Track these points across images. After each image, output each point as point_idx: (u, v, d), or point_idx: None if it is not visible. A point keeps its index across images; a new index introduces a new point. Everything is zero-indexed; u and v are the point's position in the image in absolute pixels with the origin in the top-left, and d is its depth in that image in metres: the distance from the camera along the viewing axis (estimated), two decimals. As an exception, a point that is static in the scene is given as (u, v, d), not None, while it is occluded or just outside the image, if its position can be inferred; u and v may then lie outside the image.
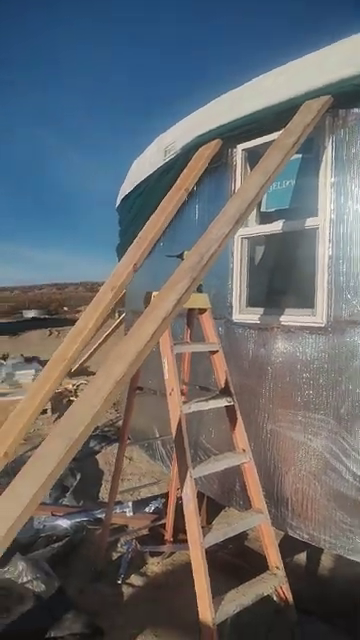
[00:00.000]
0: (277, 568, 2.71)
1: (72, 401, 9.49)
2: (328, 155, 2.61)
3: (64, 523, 3.90)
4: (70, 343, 2.47)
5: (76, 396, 9.65)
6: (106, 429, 7.13)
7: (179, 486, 2.74)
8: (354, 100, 2.45)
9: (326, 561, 3.40)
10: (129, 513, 4.06)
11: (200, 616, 2.29)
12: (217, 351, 2.88)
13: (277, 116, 2.72)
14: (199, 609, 2.30)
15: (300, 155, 2.86)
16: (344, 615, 2.82)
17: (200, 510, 4.02)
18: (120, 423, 5.81)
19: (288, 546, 3.41)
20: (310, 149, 2.77)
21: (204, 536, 2.43)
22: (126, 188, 4.76)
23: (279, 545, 3.52)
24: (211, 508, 4.01)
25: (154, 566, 3.47)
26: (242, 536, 3.60)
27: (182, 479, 2.51)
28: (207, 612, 2.28)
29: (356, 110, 2.48)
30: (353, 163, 2.52)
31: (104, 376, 1.78)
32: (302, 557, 3.48)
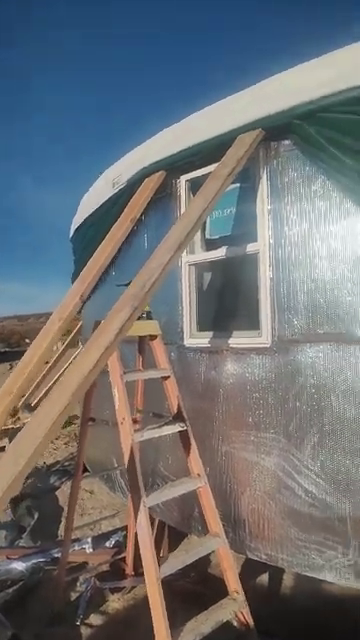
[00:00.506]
0: (236, 592, 2.69)
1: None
2: (264, 184, 2.76)
3: (19, 566, 3.73)
4: (16, 377, 2.44)
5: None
6: (67, 463, 6.94)
7: (135, 516, 2.70)
8: (284, 133, 2.62)
9: (288, 580, 3.41)
10: (89, 549, 3.93)
11: (158, 650, 2.23)
12: (169, 377, 2.91)
13: (216, 148, 2.85)
14: (158, 644, 2.25)
15: (239, 184, 3.00)
16: (306, 633, 2.82)
17: (162, 540, 3.96)
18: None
19: (251, 568, 3.41)
20: (247, 179, 2.91)
21: (160, 566, 2.40)
22: (78, 219, 4.81)
23: (242, 568, 3.52)
24: (174, 537, 3.96)
25: (115, 603, 3.36)
26: (204, 563, 3.56)
27: (136, 509, 2.48)
28: (166, 645, 2.23)
29: (286, 142, 2.65)
30: (286, 191, 2.68)
31: (48, 407, 1.77)
32: (265, 578, 3.48)
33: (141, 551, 2.42)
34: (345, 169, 2.37)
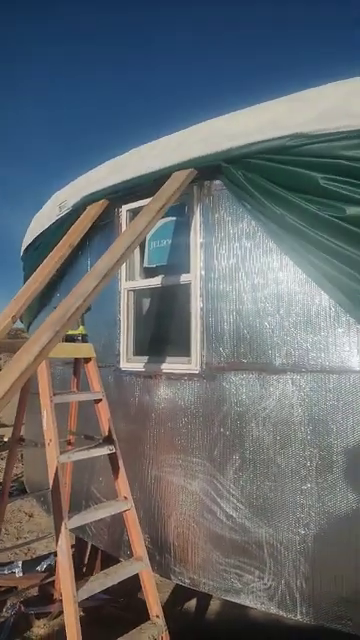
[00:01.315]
0: (157, 617, 2.72)
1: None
2: (197, 219, 2.92)
3: None
4: None
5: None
6: (11, 485, 6.76)
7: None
8: (215, 173, 2.79)
9: (214, 604, 3.46)
10: (18, 573, 3.86)
11: (69, 675, 2.23)
12: (101, 399, 2.97)
13: (154, 182, 2.99)
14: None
15: (174, 218, 3.16)
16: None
17: (95, 564, 3.94)
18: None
19: (182, 593, 3.44)
20: (183, 213, 3.07)
21: (79, 589, 2.41)
22: (28, 238, 4.85)
23: (173, 592, 3.55)
24: (109, 562, 3.94)
25: (40, 629, 3.32)
26: (134, 589, 3.56)
27: (57, 531, 2.49)
28: (78, 672, 2.24)
29: (217, 182, 2.83)
30: (217, 227, 2.84)
31: None
32: (193, 603, 3.52)
33: (59, 573, 2.43)
34: (267, 211, 2.55)
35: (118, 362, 3.40)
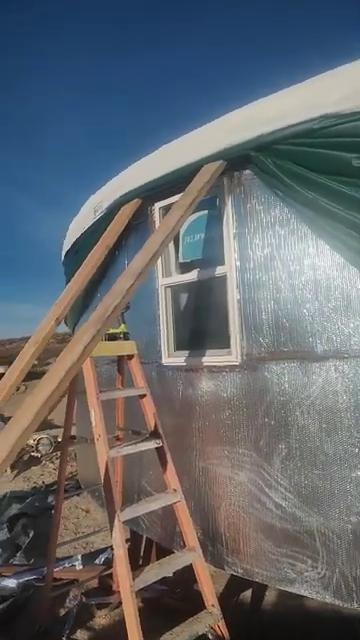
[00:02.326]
0: (213, 606, 2.77)
1: (33, 457, 9.29)
2: (229, 211, 2.91)
3: (11, 583, 3.83)
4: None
5: (37, 451, 9.46)
6: (66, 482, 7.01)
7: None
8: (244, 163, 2.77)
9: (270, 595, 3.46)
10: (78, 566, 4.02)
11: (131, 661, 2.31)
12: (145, 395, 3.04)
13: (185, 178, 3.01)
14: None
15: (207, 211, 3.17)
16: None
17: (150, 556, 4.03)
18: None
19: (237, 584, 3.47)
20: (214, 206, 3.07)
21: (134, 579, 2.49)
22: (67, 244, 5.00)
23: (227, 584, 3.58)
24: (163, 554, 4.02)
25: (101, 619, 3.44)
26: (190, 580, 3.62)
27: (111, 524, 2.58)
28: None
29: (247, 172, 2.81)
30: (249, 217, 2.82)
31: (12, 426, 1.91)
32: (248, 593, 3.53)
33: (116, 565, 2.51)
34: (299, 197, 2.51)
35: (160, 358, 3.46)
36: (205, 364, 3.13)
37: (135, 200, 3.41)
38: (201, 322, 3.47)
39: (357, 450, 2.44)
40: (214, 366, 3.08)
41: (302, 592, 2.67)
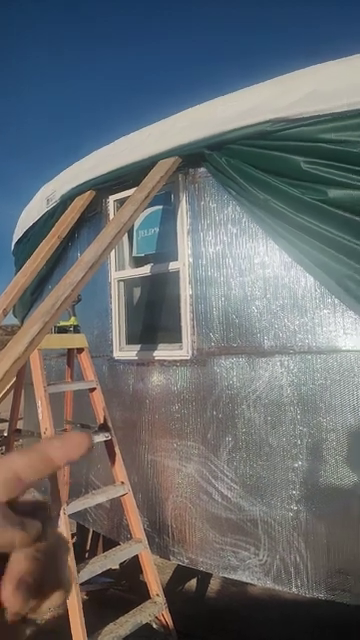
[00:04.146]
0: (157, 595, 2.81)
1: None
2: (183, 207, 2.95)
3: None
4: None
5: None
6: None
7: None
8: (199, 161, 2.81)
9: (214, 583, 3.56)
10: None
11: (74, 653, 2.32)
12: (95, 388, 3.02)
13: (140, 172, 3.01)
14: (74, 647, 2.33)
15: (161, 206, 3.19)
16: (224, 631, 2.96)
17: (97, 550, 4.03)
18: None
19: (183, 573, 3.53)
20: (169, 201, 3.10)
21: (79, 572, 2.49)
22: (18, 232, 4.86)
23: (173, 573, 3.64)
24: (109, 548, 4.03)
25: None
26: (136, 572, 3.66)
27: (56, 517, 2.56)
28: (81, 648, 2.32)
29: (202, 169, 2.85)
30: (203, 214, 2.87)
31: None
32: (193, 582, 3.61)
33: (60, 558, 2.50)
34: (251, 197, 2.59)
35: (111, 351, 3.45)
36: (156, 358, 3.16)
37: (89, 192, 3.38)
38: (153, 316, 3.49)
39: (299, 442, 2.55)
40: (165, 360, 3.12)
41: (244, 579, 2.77)
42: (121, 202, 3.34)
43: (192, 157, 2.82)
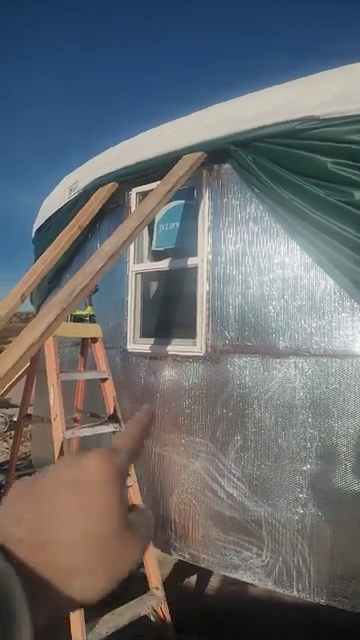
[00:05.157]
0: (157, 589, 2.81)
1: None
2: (206, 203, 2.94)
3: None
4: None
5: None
6: (18, 462, 6.92)
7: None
8: (224, 157, 2.80)
9: (214, 581, 3.55)
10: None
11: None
12: (107, 379, 3.03)
13: (164, 165, 3.01)
14: (72, 635, 2.35)
15: (183, 201, 3.18)
16: (222, 629, 2.96)
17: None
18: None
19: (182, 568, 3.53)
20: (192, 196, 3.09)
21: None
22: (39, 221, 4.90)
23: (173, 569, 3.64)
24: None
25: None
26: (136, 570, 3.67)
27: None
28: (79, 636, 2.33)
29: (226, 166, 2.84)
30: (225, 211, 2.86)
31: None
32: (193, 579, 3.60)
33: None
34: (275, 195, 2.56)
35: (125, 343, 3.46)
36: (170, 353, 3.16)
37: (112, 183, 3.38)
38: (169, 311, 3.48)
39: (309, 445, 2.53)
40: (178, 355, 3.11)
41: (245, 578, 2.76)
42: (143, 195, 3.34)
43: (217, 153, 2.81)
